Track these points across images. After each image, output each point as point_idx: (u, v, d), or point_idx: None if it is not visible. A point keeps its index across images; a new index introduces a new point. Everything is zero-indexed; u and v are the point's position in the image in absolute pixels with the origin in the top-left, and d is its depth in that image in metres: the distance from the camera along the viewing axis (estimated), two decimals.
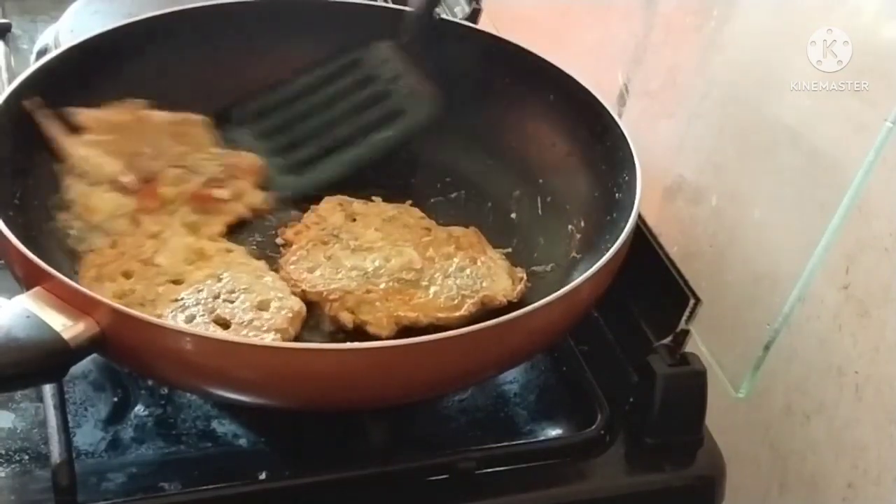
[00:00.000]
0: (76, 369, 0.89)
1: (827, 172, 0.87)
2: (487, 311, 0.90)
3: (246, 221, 0.98)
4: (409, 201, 1.01)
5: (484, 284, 0.92)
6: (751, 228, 0.94)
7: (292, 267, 0.93)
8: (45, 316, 0.76)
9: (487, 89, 1.04)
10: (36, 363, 0.75)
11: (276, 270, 0.94)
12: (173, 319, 0.85)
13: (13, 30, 1.23)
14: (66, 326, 0.76)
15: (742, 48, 0.97)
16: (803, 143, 0.90)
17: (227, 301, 0.88)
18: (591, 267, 0.84)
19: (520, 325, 0.80)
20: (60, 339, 0.75)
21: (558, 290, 0.82)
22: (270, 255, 0.96)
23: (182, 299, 0.87)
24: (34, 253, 0.80)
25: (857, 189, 0.83)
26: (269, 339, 0.85)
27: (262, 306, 0.88)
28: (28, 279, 0.80)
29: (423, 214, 1.00)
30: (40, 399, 0.85)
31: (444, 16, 1.08)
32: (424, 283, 0.92)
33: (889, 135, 0.81)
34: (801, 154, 0.90)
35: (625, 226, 0.86)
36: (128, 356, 0.80)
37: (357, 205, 1.00)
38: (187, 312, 0.86)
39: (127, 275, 0.89)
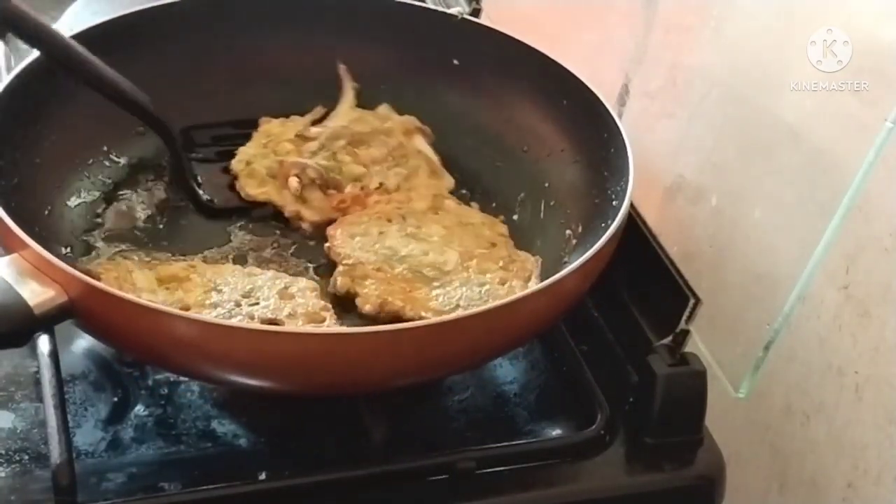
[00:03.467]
0: (76, 369, 0.90)
1: (827, 172, 0.87)
2: None
3: None
4: (502, 217, 1.01)
5: (487, 303, 0.90)
6: (751, 228, 0.94)
7: (341, 227, 0.95)
8: (14, 282, 0.78)
9: (504, 91, 1.05)
10: None
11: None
12: None
13: None
14: (34, 293, 0.77)
15: (742, 48, 0.97)
16: (803, 143, 0.90)
17: (252, 304, 0.88)
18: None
19: (496, 316, 0.81)
20: (25, 305, 0.77)
21: None
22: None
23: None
24: (28, 221, 0.82)
25: (857, 189, 0.83)
26: (331, 320, 0.87)
27: (285, 296, 0.89)
28: (6, 246, 0.82)
29: (505, 233, 0.99)
30: (40, 399, 0.85)
31: (465, 15, 1.08)
32: (437, 284, 0.92)
33: (889, 135, 0.81)
34: (801, 154, 0.90)
35: (612, 224, 0.87)
36: (96, 327, 0.82)
37: (449, 202, 1.00)
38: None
39: None
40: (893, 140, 0.81)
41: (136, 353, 0.86)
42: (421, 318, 0.89)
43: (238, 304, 0.88)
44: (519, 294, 0.83)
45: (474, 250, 0.95)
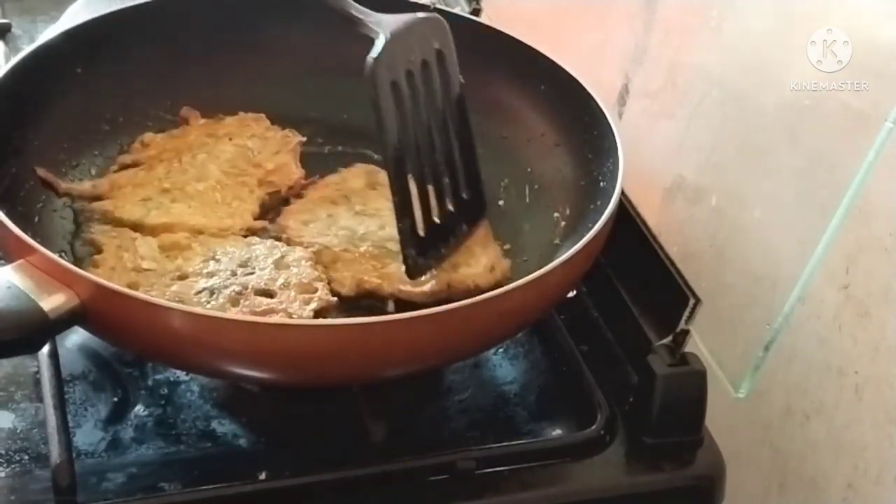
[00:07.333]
0: (76, 369, 0.90)
1: (827, 172, 0.87)
2: (459, 295, 0.90)
3: None
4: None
5: (459, 269, 0.92)
6: (751, 228, 0.94)
7: (290, 217, 0.96)
8: (26, 287, 0.77)
9: (480, 78, 1.04)
10: (14, 332, 0.76)
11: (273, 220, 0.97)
12: (221, 310, 0.85)
13: (13, 30, 1.23)
14: (46, 298, 0.77)
15: (742, 48, 0.97)
16: (803, 143, 0.90)
17: (248, 274, 0.89)
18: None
19: (488, 307, 0.81)
20: (40, 310, 0.76)
21: None
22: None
23: (204, 289, 0.87)
24: (22, 228, 0.82)
25: (857, 189, 0.83)
26: (322, 291, 0.88)
27: (281, 266, 0.90)
28: (13, 253, 0.82)
29: None
30: (40, 399, 0.85)
31: (437, 5, 1.08)
32: None
33: (889, 135, 0.81)
34: (801, 154, 0.90)
35: (605, 212, 0.87)
36: (107, 329, 0.81)
37: (383, 176, 1.00)
38: (221, 298, 0.87)
39: (133, 286, 0.87)
40: (893, 140, 0.81)
41: (148, 352, 0.86)
42: (399, 291, 0.91)
43: (234, 274, 0.89)
44: (537, 273, 0.82)
45: None
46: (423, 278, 0.91)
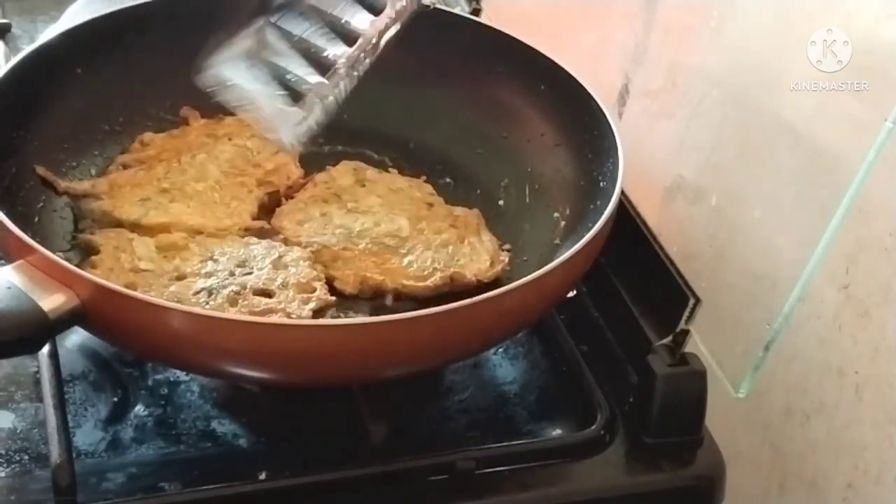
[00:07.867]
0: (76, 369, 0.90)
1: (827, 172, 0.87)
2: (460, 288, 0.92)
3: None
4: (424, 177, 1.02)
5: (460, 262, 0.93)
6: (751, 228, 0.94)
7: (284, 218, 0.96)
8: (26, 288, 0.77)
9: (480, 79, 1.05)
10: (14, 333, 0.76)
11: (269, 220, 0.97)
12: (220, 310, 0.86)
13: (13, 30, 1.23)
14: (46, 298, 0.77)
15: (742, 48, 0.97)
16: (803, 143, 0.90)
17: (246, 274, 0.89)
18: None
19: (488, 307, 0.81)
20: (39, 310, 0.76)
21: None
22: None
23: (202, 289, 0.88)
24: (22, 229, 0.82)
25: (857, 189, 0.83)
26: (321, 290, 0.89)
27: (279, 266, 0.90)
28: (13, 253, 0.82)
29: (433, 191, 1.01)
30: (40, 399, 0.85)
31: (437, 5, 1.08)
32: (403, 252, 0.94)
33: (889, 135, 0.81)
34: (801, 154, 0.90)
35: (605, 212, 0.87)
36: (107, 329, 0.82)
37: (371, 172, 1.02)
38: (220, 298, 0.87)
39: (131, 287, 0.87)
40: (893, 140, 0.81)
41: (148, 352, 0.86)
42: (403, 286, 0.91)
43: (232, 274, 0.89)
44: (537, 273, 0.83)
45: (418, 213, 0.97)
46: (426, 273, 0.92)
